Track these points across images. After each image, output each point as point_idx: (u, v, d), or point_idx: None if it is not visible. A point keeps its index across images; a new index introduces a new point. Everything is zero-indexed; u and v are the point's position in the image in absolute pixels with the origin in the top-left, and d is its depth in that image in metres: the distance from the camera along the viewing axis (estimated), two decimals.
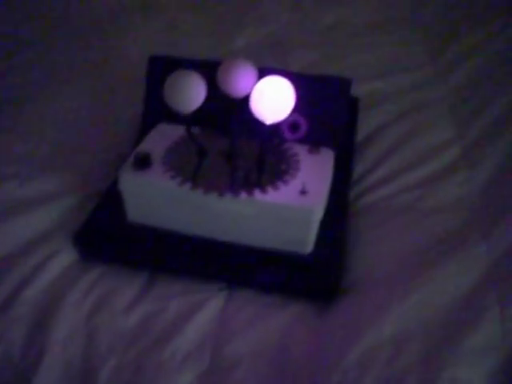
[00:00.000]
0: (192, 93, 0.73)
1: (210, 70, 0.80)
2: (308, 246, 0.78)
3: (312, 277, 0.77)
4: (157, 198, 0.78)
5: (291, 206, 0.74)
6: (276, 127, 0.75)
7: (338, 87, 0.91)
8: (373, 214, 0.88)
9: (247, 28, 1.35)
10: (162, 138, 0.85)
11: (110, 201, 0.86)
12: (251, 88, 0.76)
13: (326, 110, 0.90)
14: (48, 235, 0.83)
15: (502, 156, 0.96)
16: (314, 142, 0.85)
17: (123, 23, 1.38)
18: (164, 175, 0.78)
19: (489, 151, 0.97)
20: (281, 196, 0.75)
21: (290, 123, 0.90)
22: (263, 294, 0.77)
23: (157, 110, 0.94)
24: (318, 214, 0.75)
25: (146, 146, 0.83)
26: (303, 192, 0.75)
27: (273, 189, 0.76)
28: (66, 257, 0.80)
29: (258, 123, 0.74)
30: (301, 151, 0.84)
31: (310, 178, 0.78)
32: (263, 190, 0.76)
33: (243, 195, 0.75)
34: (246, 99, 0.77)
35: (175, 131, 0.86)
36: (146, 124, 0.95)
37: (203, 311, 0.74)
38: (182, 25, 1.36)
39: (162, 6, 1.44)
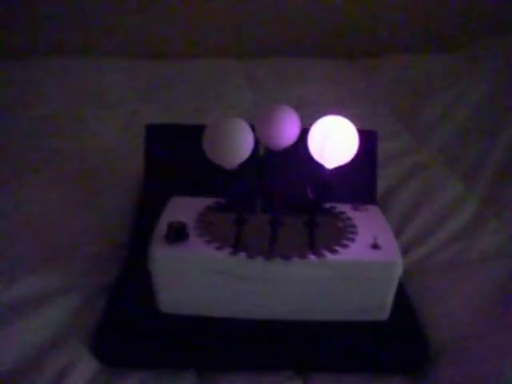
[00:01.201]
0: (241, 142, 0.62)
1: None
2: (386, 311, 0.66)
3: (399, 345, 0.65)
4: (202, 276, 0.64)
5: (371, 263, 0.63)
6: (336, 173, 0.65)
7: (365, 140, 0.83)
8: (421, 274, 0.79)
9: (212, 112, 1.27)
10: (183, 211, 0.72)
11: (128, 293, 0.70)
12: (294, 138, 0.67)
13: (355, 166, 0.82)
14: (56, 342, 0.64)
15: None
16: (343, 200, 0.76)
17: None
18: (208, 247, 0.64)
19: (507, 198, 0.94)
20: (354, 253, 0.64)
21: (317, 183, 0.81)
22: (344, 374, 0.63)
23: (159, 184, 0.83)
24: (399, 269, 0.64)
25: (167, 220, 0.69)
26: (375, 247, 0.65)
27: (341, 247, 0.65)
28: (87, 366, 0.62)
29: (310, 170, 0.65)
30: (346, 209, 0.74)
31: (374, 233, 0.67)
32: (330, 249, 0.64)
33: (312, 257, 0.63)
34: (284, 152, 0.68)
35: (195, 203, 0.74)
36: (148, 200, 0.82)
37: None
38: (143, 115, 1.26)
39: (121, 99, 1.33)
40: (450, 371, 0.62)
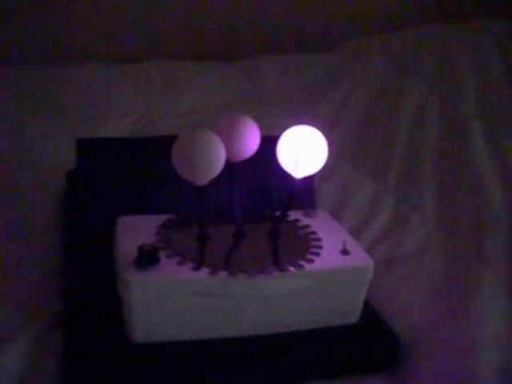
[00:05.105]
0: (213, 157, 0.59)
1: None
2: (358, 314, 0.68)
3: (373, 345, 0.67)
4: (180, 299, 0.60)
5: (346, 269, 0.65)
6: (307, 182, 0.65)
7: None
8: None
9: (105, 122, 1.20)
10: (137, 231, 0.67)
11: (89, 327, 0.64)
12: (255, 150, 0.66)
13: None
14: None
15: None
16: None
17: None
18: (183, 268, 0.61)
19: (419, 192, 1.01)
20: (329, 261, 0.65)
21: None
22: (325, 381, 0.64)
23: (89, 203, 0.76)
24: (371, 272, 0.66)
25: (126, 242, 0.64)
26: (345, 252, 0.66)
27: (313, 256, 0.65)
28: None
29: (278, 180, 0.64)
30: (298, 216, 0.74)
31: (337, 238, 0.69)
32: (305, 258, 0.64)
33: (291, 269, 0.62)
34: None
35: (145, 222, 0.70)
36: (77, 221, 0.75)
37: None
38: (28, 126, 1.15)
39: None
40: (424, 364, 0.65)
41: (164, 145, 0.72)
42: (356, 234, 0.90)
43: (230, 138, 0.64)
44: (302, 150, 0.62)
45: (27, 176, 0.98)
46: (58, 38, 1.46)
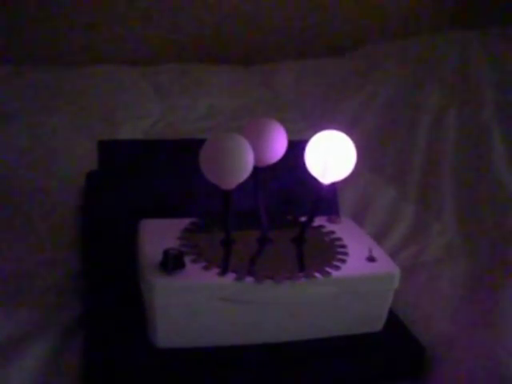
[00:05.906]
0: (242, 161, 0.59)
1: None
2: (382, 322, 0.67)
3: (397, 353, 0.66)
4: (205, 305, 0.60)
5: (373, 276, 0.64)
6: (331, 188, 0.64)
7: None
8: None
9: (124, 124, 1.20)
10: (160, 235, 0.66)
11: (107, 328, 0.63)
12: (281, 154, 0.66)
13: None
14: None
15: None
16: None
17: None
18: (208, 274, 0.60)
19: (441, 200, 1.00)
20: (356, 268, 0.64)
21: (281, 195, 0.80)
22: None
23: (116, 208, 0.76)
24: (397, 279, 0.65)
25: (150, 246, 0.64)
26: (371, 259, 0.66)
27: (340, 262, 0.64)
28: None
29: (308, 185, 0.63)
30: (322, 222, 0.73)
31: (362, 245, 0.68)
32: (332, 265, 0.63)
33: (318, 276, 0.62)
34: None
35: (167, 225, 0.69)
36: (97, 224, 0.75)
37: None
38: (47, 128, 1.15)
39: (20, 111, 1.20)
40: (449, 373, 0.64)
41: (185, 148, 0.72)
42: (377, 241, 0.89)
43: (257, 142, 0.63)
44: (332, 156, 0.61)
45: (45, 176, 0.98)
46: (76, 39, 1.46)
